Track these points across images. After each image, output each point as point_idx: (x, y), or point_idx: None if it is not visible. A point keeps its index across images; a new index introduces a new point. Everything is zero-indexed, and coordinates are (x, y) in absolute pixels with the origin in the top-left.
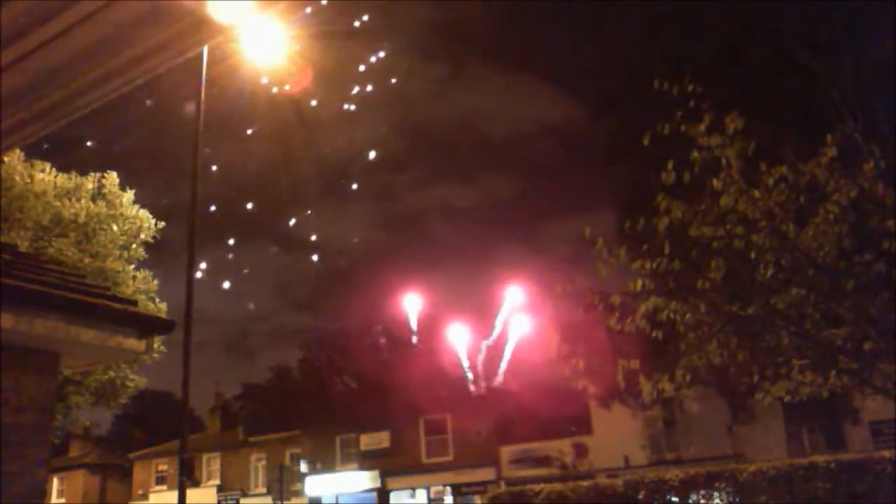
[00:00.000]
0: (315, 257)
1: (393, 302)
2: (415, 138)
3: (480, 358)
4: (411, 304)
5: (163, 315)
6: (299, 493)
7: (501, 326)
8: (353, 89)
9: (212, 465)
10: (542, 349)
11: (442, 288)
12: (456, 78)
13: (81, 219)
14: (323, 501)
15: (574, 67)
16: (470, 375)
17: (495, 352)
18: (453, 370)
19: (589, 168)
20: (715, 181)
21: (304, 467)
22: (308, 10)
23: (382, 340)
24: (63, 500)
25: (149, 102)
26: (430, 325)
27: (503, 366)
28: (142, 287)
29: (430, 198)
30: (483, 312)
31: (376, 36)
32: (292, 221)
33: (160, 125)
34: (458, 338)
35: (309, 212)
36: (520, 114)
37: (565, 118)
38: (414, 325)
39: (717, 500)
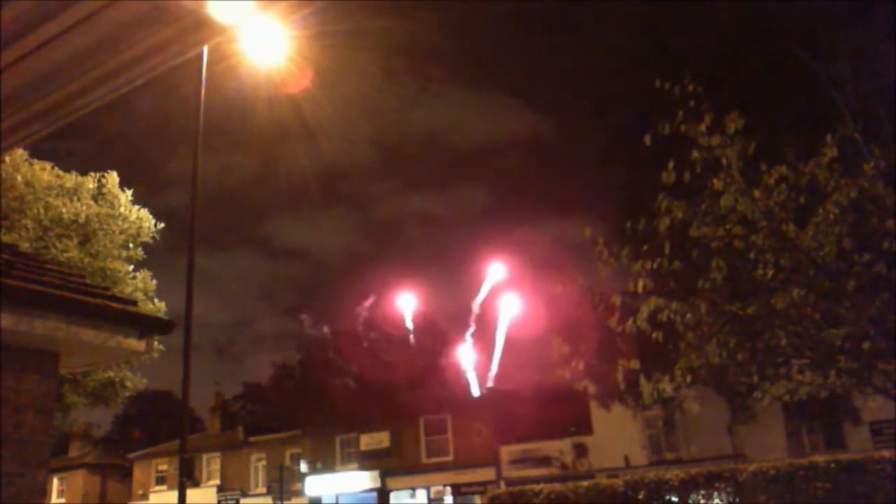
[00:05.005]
0: (301, 261)
1: (385, 302)
2: (386, 151)
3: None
4: (405, 303)
5: (162, 315)
6: (299, 493)
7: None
8: (341, 93)
9: (212, 465)
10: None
11: (425, 290)
12: (422, 94)
13: (81, 219)
14: (323, 501)
15: (541, 81)
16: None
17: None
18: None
19: (561, 176)
20: (715, 181)
21: (304, 467)
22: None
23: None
24: (63, 500)
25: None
26: (424, 324)
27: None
28: (141, 287)
29: (406, 207)
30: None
31: (351, 43)
32: (279, 226)
33: (149, 130)
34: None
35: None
36: (486, 127)
37: (532, 130)
38: (409, 323)
39: (717, 500)
